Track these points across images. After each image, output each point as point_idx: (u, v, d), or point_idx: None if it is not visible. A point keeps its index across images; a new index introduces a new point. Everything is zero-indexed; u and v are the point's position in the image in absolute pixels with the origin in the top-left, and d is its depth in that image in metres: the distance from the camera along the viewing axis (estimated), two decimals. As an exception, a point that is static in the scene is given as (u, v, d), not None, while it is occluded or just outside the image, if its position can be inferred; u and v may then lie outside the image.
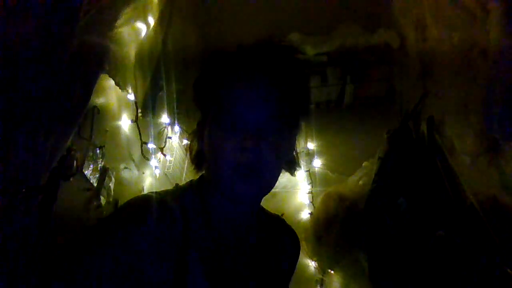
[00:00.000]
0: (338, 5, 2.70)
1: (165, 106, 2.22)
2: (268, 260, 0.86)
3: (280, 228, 0.95)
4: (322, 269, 2.28)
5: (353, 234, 2.09)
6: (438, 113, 1.89)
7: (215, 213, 0.78)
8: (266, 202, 0.84)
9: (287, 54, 0.79)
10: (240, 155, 0.70)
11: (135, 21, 1.73)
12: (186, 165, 2.42)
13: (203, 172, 0.84)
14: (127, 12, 1.52)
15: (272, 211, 0.96)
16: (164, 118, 2.26)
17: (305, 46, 2.68)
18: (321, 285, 2.29)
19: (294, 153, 0.85)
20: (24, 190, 1.02)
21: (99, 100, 1.68)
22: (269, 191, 0.77)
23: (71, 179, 1.40)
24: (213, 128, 0.75)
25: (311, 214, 2.41)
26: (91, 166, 1.62)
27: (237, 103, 0.73)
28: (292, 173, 0.86)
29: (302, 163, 2.38)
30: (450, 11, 1.70)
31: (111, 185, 1.80)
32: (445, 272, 1.58)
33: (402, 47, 2.50)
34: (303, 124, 0.84)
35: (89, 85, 1.30)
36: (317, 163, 2.54)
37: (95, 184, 1.65)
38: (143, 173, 2.13)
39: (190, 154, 0.85)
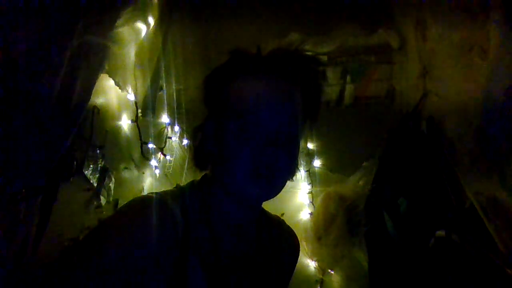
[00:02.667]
0: (338, 5, 2.70)
1: (165, 106, 2.22)
2: (268, 260, 0.86)
3: (280, 229, 0.95)
4: (322, 269, 2.28)
5: (353, 235, 2.09)
6: (438, 113, 1.89)
7: (217, 214, 0.78)
8: (266, 202, 0.83)
9: (312, 65, 0.81)
10: (258, 160, 0.70)
11: (135, 21, 1.73)
12: (186, 165, 2.41)
13: (205, 172, 0.84)
14: (127, 12, 1.52)
15: (272, 211, 0.96)
16: (164, 118, 2.26)
17: (305, 46, 2.67)
18: (321, 285, 2.29)
19: None
20: (24, 190, 1.02)
21: (99, 100, 1.68)
22: (278, 194, 0.77)
23: (71, 179, 1.40)
24: (229, 129, 0.74)
25: (311, 214, 2.40)
26: (91, 166, 1.62)
27: (261, 109, 0.72)
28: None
29: (302, 163, 2.38)
30: (450, 11, 1.70)
31: (111, 185, 1.80)
32: (445, 272, 1.58)
33: (402, 47, 2.50)
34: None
35: (89, 85, 1.30)
36: (317, 163, 2.53)
37: (95, 184, 1.65)
38: (143, 173, 2.13)
39: (195, 152, 0.84)
